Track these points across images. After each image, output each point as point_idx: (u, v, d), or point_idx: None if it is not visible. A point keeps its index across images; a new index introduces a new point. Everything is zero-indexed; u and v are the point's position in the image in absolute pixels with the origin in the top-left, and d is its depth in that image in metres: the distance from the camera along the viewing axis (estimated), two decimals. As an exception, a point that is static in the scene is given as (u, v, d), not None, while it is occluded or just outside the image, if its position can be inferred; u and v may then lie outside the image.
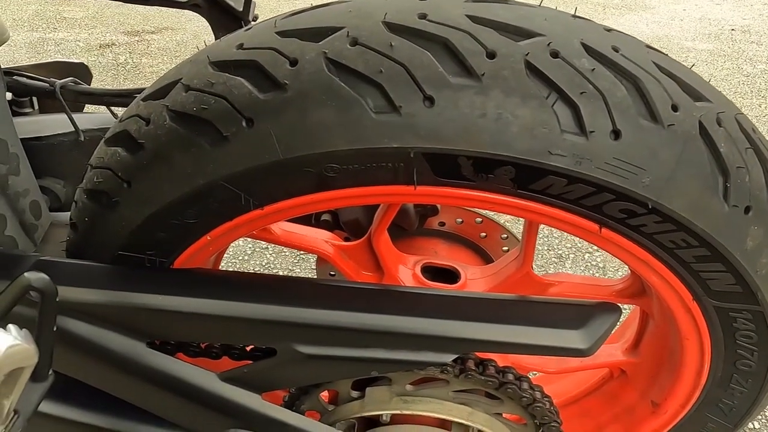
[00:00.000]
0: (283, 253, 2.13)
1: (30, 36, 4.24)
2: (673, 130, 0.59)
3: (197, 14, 1.15)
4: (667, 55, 0.66)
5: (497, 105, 0.57)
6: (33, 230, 0.88)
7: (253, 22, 1.12)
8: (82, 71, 1.25)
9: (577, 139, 0.57)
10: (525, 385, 0.79)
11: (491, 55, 0.57)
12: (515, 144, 0.58)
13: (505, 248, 1.06)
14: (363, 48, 0.58)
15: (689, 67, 0.66)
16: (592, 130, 0.57)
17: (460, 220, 1.08)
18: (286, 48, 0.60)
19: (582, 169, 0.58)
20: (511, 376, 0.79)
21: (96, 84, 1.31)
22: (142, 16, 4.70)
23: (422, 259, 0.93)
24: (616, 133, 0.58)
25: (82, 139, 1.05)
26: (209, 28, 1.15)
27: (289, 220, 0.85)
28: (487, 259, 1.06)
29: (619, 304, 0.75)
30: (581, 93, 0.57)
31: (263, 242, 2.12)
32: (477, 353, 0.79)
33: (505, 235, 1.07)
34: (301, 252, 2.09)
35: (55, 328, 0.60)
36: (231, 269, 2.07)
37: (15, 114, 1.15)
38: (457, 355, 0.70)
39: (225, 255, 2.12)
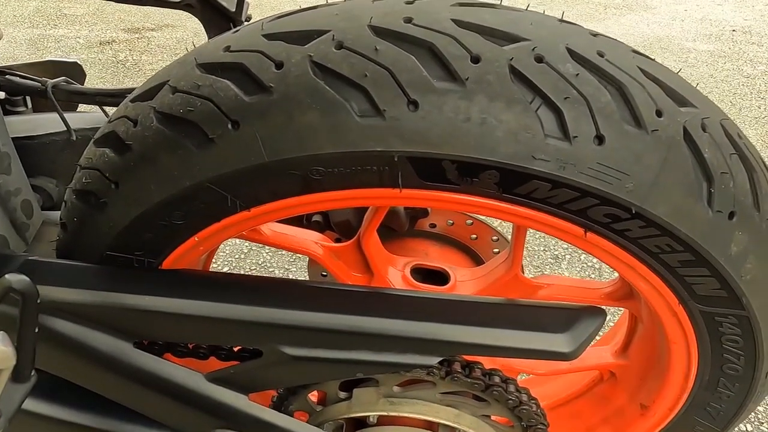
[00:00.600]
0: (279, 253, 2.13)
1: (30, 33, 4.24)
2: (657, 136, 0.59)
3: (193, 14, 1.15)
4: (653, 60, 0.66)
5: (481, 109, 0.57)
6: (24, 229, 0.88)
7: (246, 23, 1.12)
8: (75, 71, 1.26)
9: (561, 144, 0.58)
10: (511, 388, 0.80)
11: (476, 60, 0.57)
12: (499, 148, 0.58)
13: (496, 250, 1.06)
14: (348, 51, 0.58)
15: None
16: (575, 135, 0.57)
17: (451, 221, 1.08)
18: (272, 51, 0.61)
19: (566, 173, 0.58)
20: (497, 379, 0.79)
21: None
22: (143, 13, 4.70)
23: (412, 260, 0.93)
24: (600, 139, 0.58)
25: (74, 138, 1.06)
26: (209, 25, 1.15)
27: (279, 221, 0.85)
28: (478, 261, 1.06)
29: (605, 308, 0.75)
30: (565, 98, 0.57)
31: (258, 241, 2.12)
32: (463, 356, 0.79)
33: (496, 237, 1.07)
34: (296, 251, 2.09)
35: (36, 330, 0.60)
36: (226, 268, 2.07)
37: (8, 113, 1.15)
38: (441, 358, 0.71)
39: (221, 254, 2.13)
